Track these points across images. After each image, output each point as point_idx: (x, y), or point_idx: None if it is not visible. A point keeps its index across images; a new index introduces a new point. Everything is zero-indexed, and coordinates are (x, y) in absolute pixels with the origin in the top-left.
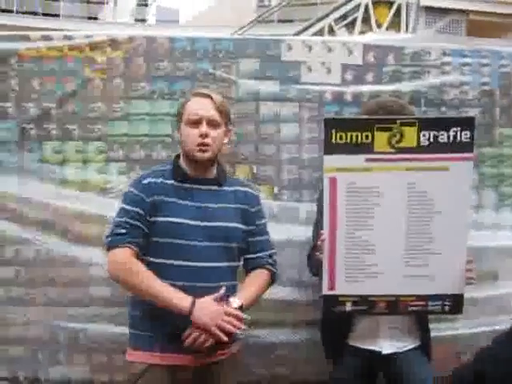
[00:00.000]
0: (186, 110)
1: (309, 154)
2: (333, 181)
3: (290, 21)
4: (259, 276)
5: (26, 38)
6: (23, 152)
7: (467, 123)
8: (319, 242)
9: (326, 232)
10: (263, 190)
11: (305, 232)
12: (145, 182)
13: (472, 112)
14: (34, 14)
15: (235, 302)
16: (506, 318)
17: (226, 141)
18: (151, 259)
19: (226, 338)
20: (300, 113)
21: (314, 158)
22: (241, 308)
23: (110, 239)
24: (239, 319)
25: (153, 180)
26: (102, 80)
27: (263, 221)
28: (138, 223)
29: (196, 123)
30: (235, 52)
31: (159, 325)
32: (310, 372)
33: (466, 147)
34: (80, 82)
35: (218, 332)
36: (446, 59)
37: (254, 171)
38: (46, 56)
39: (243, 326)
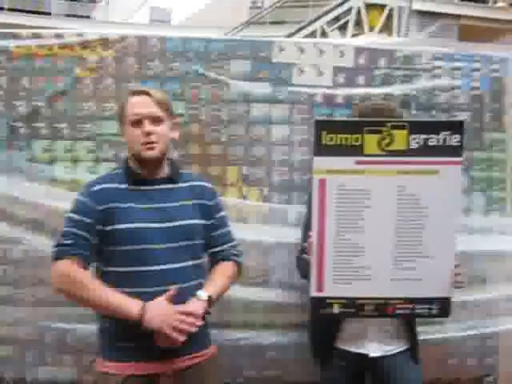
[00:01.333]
0: (125, 110)
1: (299, 156)
2: (322, 182)
3: (283, 22)
4: (224, 268)
5: (17, 36)
6: (12, 151)
7: (457, 127)
8: (307, 244)
9: (314, 234)
10: (253, 192)
11: (294, 234)
12: (95, 188)
13: (462, 116)
14: (25, 11)
15: (203, 294)
16: (494, 322)
17: (175, 135)
18: (113, 269)
19: (182, 339)
20: (291, 115)
21: (304, 160)
22: (209, 300)
23: (56, 250)
24: (195, 316)
25: (106, 186)
26: (92, 79)
27: (222, 213)
28: (85, 233)
29: (138, 123)
30: (227, 53)
31: (132, 334)
32: (300, 373)
33: (456, 151)
34: (70, 80)
35: (173, 333)
36: (437, 63)
37: (244, 173)
38: (36, 54)
39: (199, 323)
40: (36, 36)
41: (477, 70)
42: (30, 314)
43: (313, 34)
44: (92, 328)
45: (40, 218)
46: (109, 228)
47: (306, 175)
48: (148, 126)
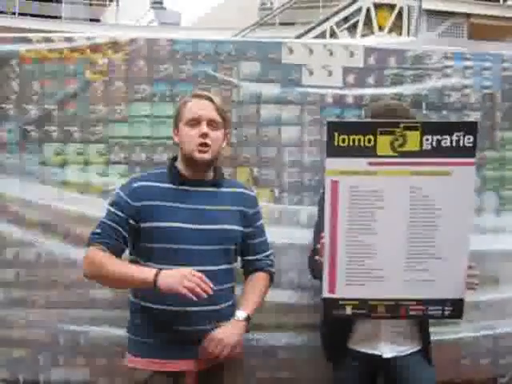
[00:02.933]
0: (185, 110)
1: (310, 157)
2: (335, 184)
3: (292, 24)
4: (260, 280)
5: (27, 40)
6: (24, 154)
7: (470, 128)
8: (319, 245)
9: (326, 235)
10: (264, 193)
11: (306, 235)
12: (135, 185)
13: (473, 115)
14: (36, 16)
15: (241, 315)
16: (507, 322)
17: (224, 144)
18: (151, 265)
19: (194, 298)
20: (301, 116)
21: (315, 161)
22: (247, 319)
23: (88, 237)
24: (205, 282)
25: (147, 184)
26: (103, 82)
27: (261, 222)
28: (116, 225)
29: (196, 123)
30: (236, 54)
31: (160, 331)
32: (312, 374)
33: (469, 152)
34: (81, 84)
35: (185, 291)
36: (448, 62)
37: (255, 174)
38: (46, 58)
39: (210, 291)
40: (46, 40)
41: (488, 68)
42: (43, 316)
43: (322, 35)
44: (105, 330)
45: (52, 221)
46: (147, 225)
47: (317, 176)
48: (206, 128)
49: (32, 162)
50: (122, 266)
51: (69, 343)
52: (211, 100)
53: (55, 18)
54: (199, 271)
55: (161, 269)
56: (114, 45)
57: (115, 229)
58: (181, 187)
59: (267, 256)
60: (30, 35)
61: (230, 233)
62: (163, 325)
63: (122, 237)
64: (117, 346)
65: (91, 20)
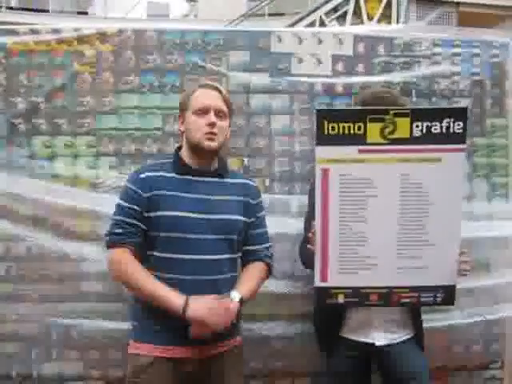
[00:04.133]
0: (192, 99)
1: (300, 146)
2: (325, 172)
3: (281, 14)
4: (258, 269)
5: (14, 32)
6: (12, 147)
7: (460, 114)
8: (310, 234)
9: (317, 223)
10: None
11: (297, 225)
12: (142, 176)
13: (463, 102)
14: (23, 9)
15: (235, 296)
16: (499, 308)
17: (228, 134)
18: (154, 253)
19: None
20: (291, 105)
21: (305, 150)
22: (241, 302)
23: (108, 238)
24: (231, 314)
25: (151, 174)
26: (90, 74)
27: (263, 213)
28: (135, 221)
29: (204, 113)
30: (225, 44)
31: (162, 317)
32: (305, 364)
33: (459, 138)
34: (69, 75)
35: (213, 325)
36: (437, 49)
37: (246, 164)
38: (34, 50)
39: (233, 321)
40: (33, 32)
41: (477, 55)
42: (35, 310)
43: (312, 25)
44: (97, 323)
45: (42, 215)
46: (153, 214)
47: (307, 165)
48: (214, 118)
49: (20, 156)
50: (152, 285)
51: (61, 337)
52: (219, 90)
53: (42, 11)
54: (203, 260)
55: (188, 296)
56: (102, 36)
57: (135, 225)
58: (186, 177)
59: (267, 248)
60: (16, 27)
61: (234, 223)
62: (167, 312)
63: (141, 231)
64: (109, 339)
65: (79, 13)
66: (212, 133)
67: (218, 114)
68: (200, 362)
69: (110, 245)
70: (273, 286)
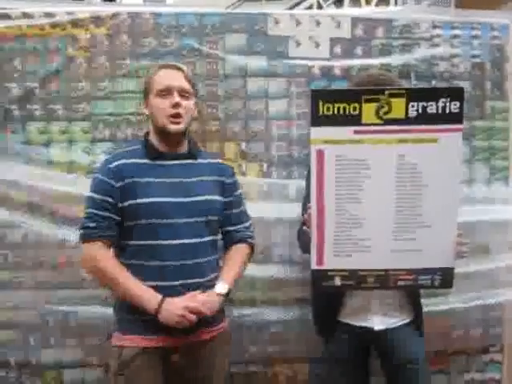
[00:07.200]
0: (154, 81)
1: (298, 130)
2: (320, 153)
3: None
4: (241, 252)
5: (7, 16)
6: (7, 133)
7: (456, 94)
8: (306, 216)
9: (313, 205)
10: (252, 168)
11: (295, 209)
12: (113, 165)
13: (463, 85)
14: None
15: (222, 288)
16: (497, 292)
17: (195, 114)
18: (132, 242)
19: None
20: (288, 88)
21: (303, 135)
22: (227, 293)
23: (81, 232)
24: (211, 311)
25: (123, 162)
26: (85, 58)
27: (239, 192)
28: (108, 213)
29: (167, 94)
30: (221, 27)
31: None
32: (302, 349)
33: (456, 118)
34: (63, 60)
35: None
36: (436, 31)
37: (243, 148)
38: (27, 35)
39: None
40: (26, 16)
41: (477, 37)
42: (32, 297)
43: (309, 9)
44: (94, 310)
45: (38, 201)
46: (128, 203)
47: (305, 149)
48: (177, 98)
49: (15, 142)
50: (128, 284)
51: (59, 324)
52: (180, 69)
53: None
54: (185, 244)
55: (163, 296)
56: (96, 19)
57: (108, 217)
58: (157, 162)
59: (247, 227)
60: (9, 11)
61: (212, 203)
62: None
63: (116, 223)
64: (108, 325)
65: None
66: (178, 114)
67: (182, 93)
68: (187, 350)
69: (84, 239)
70: (270, 270)
